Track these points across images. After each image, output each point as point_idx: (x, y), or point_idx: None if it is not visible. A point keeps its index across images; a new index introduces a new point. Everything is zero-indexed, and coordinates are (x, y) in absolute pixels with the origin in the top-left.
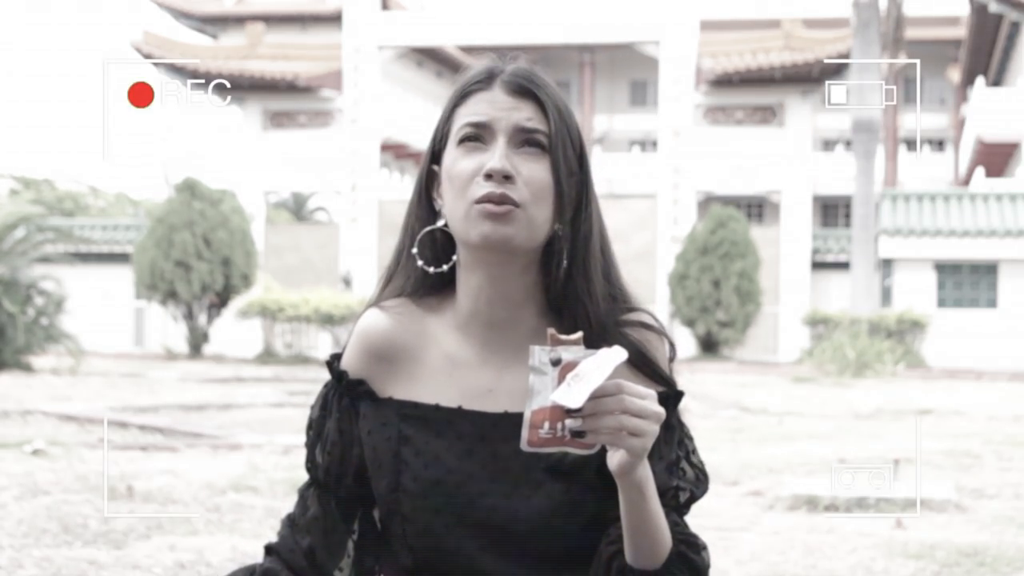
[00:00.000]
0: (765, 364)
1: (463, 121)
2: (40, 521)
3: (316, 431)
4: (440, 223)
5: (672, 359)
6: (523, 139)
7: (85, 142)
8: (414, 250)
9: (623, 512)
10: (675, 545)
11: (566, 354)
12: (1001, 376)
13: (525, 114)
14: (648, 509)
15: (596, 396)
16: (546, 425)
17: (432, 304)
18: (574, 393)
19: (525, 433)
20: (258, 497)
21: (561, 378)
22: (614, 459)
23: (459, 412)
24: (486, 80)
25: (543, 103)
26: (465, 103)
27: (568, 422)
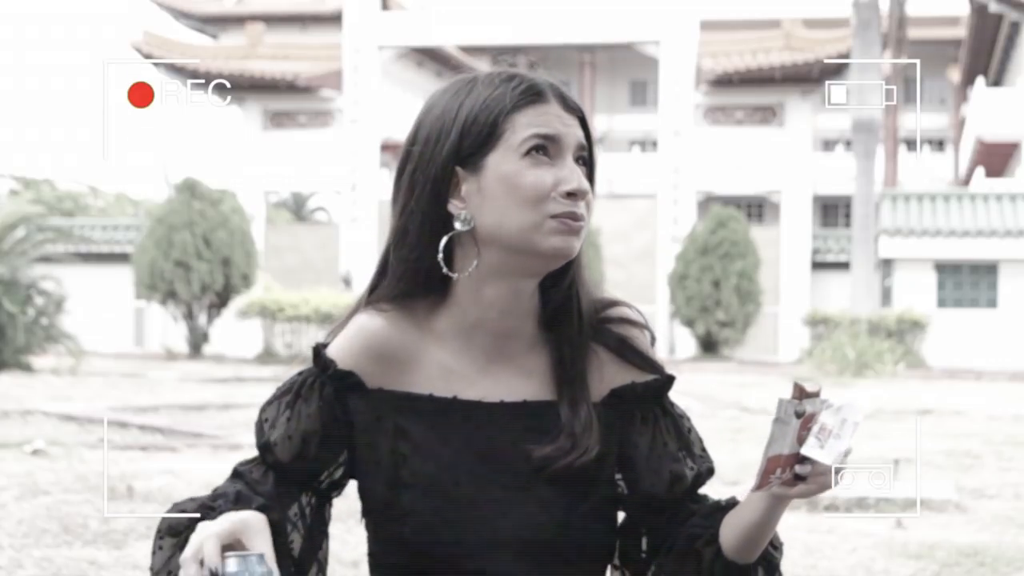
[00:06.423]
0: (765, 364)
1: (531, 131)
2: (40, 521)
3: (285, 415)
4: (461, 227)
5: (652, 344)
6: (578, 156)
7: (85, 142)
8: (439, 256)
9: (756, 517)
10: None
11: (809, 407)
12: (1001, 376)
13: (580, 132)
14: (780, 517)
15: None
16: (778, 471)
17: (427, 309)
18: (828, 450)
19: (758, 479)
20: None
21: (803, 427)
22: (796, 491)
23: (454, 402)
24: (540, 92)
25: (584, 121)
26: (522, 112)
27: (798, 468)
